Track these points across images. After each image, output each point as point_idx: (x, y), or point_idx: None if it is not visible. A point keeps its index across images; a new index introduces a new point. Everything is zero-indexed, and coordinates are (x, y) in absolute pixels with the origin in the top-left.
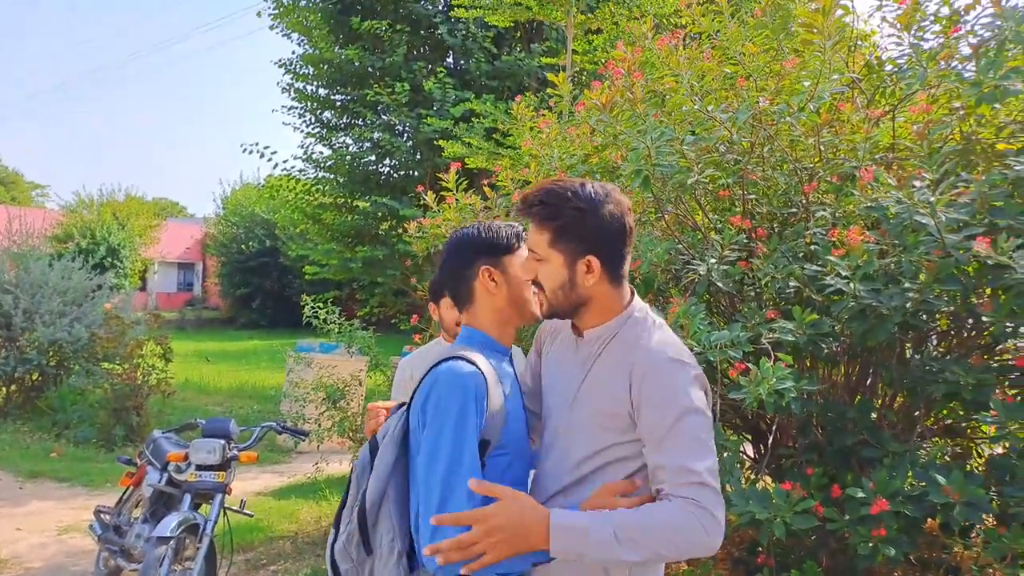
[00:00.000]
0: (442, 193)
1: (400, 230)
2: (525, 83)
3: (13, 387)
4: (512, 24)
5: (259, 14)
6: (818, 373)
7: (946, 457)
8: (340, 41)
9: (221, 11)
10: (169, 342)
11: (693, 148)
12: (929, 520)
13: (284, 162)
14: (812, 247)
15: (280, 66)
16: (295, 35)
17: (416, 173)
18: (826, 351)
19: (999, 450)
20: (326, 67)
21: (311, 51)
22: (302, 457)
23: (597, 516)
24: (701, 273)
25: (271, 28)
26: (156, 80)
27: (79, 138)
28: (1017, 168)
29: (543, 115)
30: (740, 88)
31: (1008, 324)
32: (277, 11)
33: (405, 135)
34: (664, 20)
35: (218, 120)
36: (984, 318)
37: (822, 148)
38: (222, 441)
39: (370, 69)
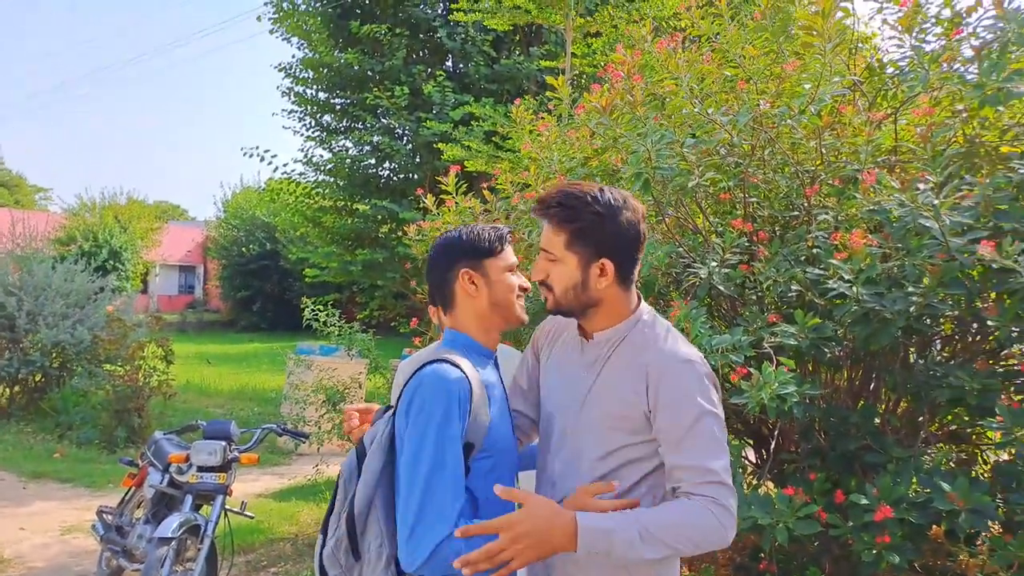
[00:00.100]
0: (442, 196)
1: (400, 233)
2: (524, 86)
3: (16, 388)
4: (511, 28)
5: (259, 18)
6: (821, 377)
7: (951, 463)
8: (340, 45)
9: (221, 14)
10: (170, 344)
11: (694, 151)
12: (934, 527)
13: (284, 165)
14: (814, 250)
15: (280, 70)
16: (295, 39)
17: (416, 176)
18: (829, 355)
19: (1005, 456)
20: (326, 71)
21: (311, 55)
22: (302, 459)
23: (622, 517)
24: (702, 277)
25: (271, 32)
26: (157, 82)
27: (80, 139)
28: (1021, 171)
29: (542, 118)
30: (740, 91)
31: (1013, 329)
32: (277, 15)
33: (405, 138)
34: (663, 23)
35: (219, 123)
36: (989, 322)
37: (824, 151)
38: (223, 443)
39: (369, 73)
